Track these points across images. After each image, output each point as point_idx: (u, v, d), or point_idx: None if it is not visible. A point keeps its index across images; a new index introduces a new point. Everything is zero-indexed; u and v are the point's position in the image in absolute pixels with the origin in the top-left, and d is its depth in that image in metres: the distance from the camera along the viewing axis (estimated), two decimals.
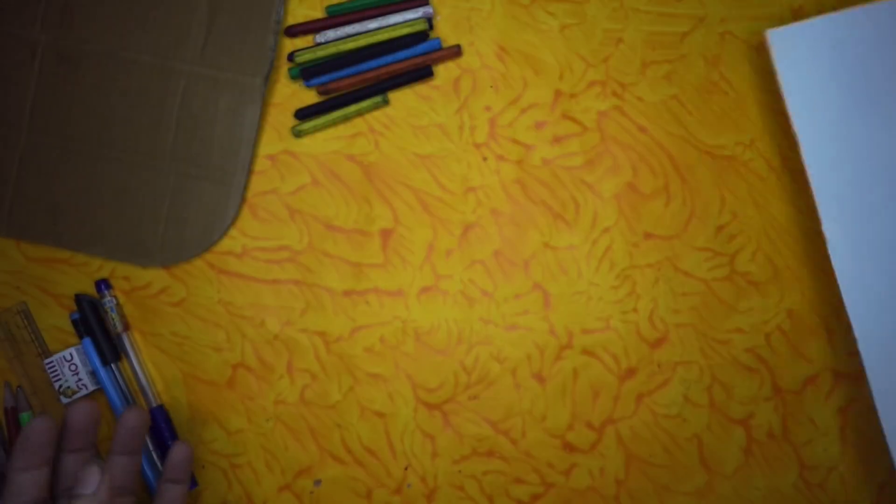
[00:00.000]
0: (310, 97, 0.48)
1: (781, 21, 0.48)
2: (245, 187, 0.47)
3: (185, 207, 0.47)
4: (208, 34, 0.46)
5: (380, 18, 0.47)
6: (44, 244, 0.47)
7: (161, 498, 0.42)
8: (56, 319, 0.47)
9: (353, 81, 0.47)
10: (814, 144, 0.45)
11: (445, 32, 0.48)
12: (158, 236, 0.47)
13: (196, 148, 0.47)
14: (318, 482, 0.47)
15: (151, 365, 0.47)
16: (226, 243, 0.47)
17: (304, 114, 0.47)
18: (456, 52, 0.47)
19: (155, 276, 0.47)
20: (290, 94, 0.47)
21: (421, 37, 0.47)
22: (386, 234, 0.47)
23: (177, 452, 0.42)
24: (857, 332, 0.44)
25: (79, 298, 0.46)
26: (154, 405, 0.46)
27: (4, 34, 0.47)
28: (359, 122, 0.48)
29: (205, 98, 0.46)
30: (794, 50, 0.45)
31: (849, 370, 0.47)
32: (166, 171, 0.47)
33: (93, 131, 0.47)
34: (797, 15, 0.48)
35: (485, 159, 0.47)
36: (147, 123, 0.47)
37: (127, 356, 0.46)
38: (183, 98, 0.46)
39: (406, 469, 0.47)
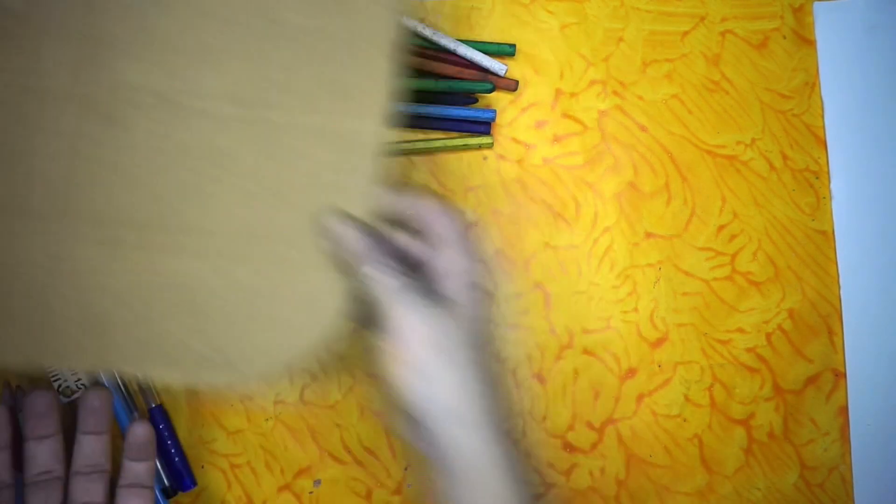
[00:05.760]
0: None
1: (782, 21, 0.48)
2: None
3: (279, 301, 0.36)
4: (303, 72, 0.35)
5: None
6: (83, 368, 0.38)
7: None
8: None
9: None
10: (838, 119, 0.47)
11: (446, 31, 0.48)
12: (246, 341, 0.36)
13: (289, 220, 0.36)
14: (317, 482, 0.47)
15: None
16: None
17: None
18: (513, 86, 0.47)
19: None
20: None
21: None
22: None
23: (137, 433, 0.41)
24: (847, 329, 0.46)
25: None
26: (153, 405, 0.46)
27: (19, 87, 0.33)
28: None
29: (301, 151, 0.35)
30: (833, 25, 0.48)
31: None
32: (246, 259, 0.36)
33: (151, 213, 0.35)
34: (798, 14, 0.48)
35: (485, 158, 0.47)
36: (225, 194, 0.35)
37: None
38: (269, 155, 0.35)
39: (406, 469, 0.47)
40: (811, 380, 0.47)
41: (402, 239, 0.37)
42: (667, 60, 0.48)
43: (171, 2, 0.34)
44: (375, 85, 0.35)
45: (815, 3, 0.48)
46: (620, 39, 0.48)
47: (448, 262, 0.36)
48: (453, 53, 0.46)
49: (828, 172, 0.48)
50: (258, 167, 0.34)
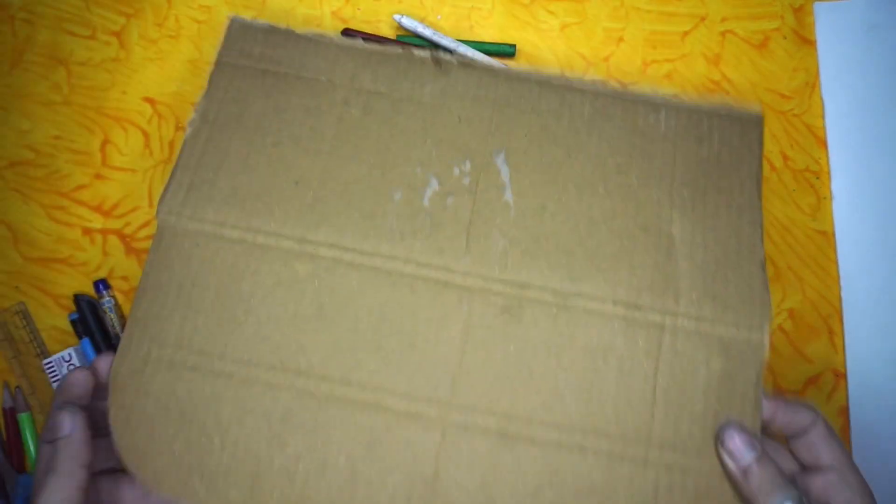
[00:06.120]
0: None
1: (782, 21, 0.48)
2: None
3: None
4: (684, 279, 0.37)
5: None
6: None
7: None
8: (55, 320, 0.47)
9: None
10: (838, 119, 0.47)
11: (446, 31, 0.47)
12: None
13: (686, 429, 0.35)
14: None
15: None
16: None
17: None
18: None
19: None
20: None
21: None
22: None
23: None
24: (847, 329, 0.46)
25: (77, 299, 0.46)
26: None
27: (439, 283, 0.37)
28: None
29: (692, 360, 0.36)
30: (833, 25, 0.48)
31: None
32: (646, 463, 0.35)
33: (536, 406, 0.35)
34: (798, 14, 0.48)
35: None
36: (617, 394, 0.36)
37: None
38: (661, 361, 0.36)
39: None
40: (811, 380, 0.47)
41: (786, 459, 0.36)
42: (667, 60, 0.48)
43: (569, 210, 0.38)
44: (753, 296, 0.37)
45: (815, 3, 0.48)
46: (620, 39, 0.48)
47: (829, 489, 0.34)
48: (454, 53, 0.46)
49: (828, 172, 0.48)
50: (647, 369, 0.36)
